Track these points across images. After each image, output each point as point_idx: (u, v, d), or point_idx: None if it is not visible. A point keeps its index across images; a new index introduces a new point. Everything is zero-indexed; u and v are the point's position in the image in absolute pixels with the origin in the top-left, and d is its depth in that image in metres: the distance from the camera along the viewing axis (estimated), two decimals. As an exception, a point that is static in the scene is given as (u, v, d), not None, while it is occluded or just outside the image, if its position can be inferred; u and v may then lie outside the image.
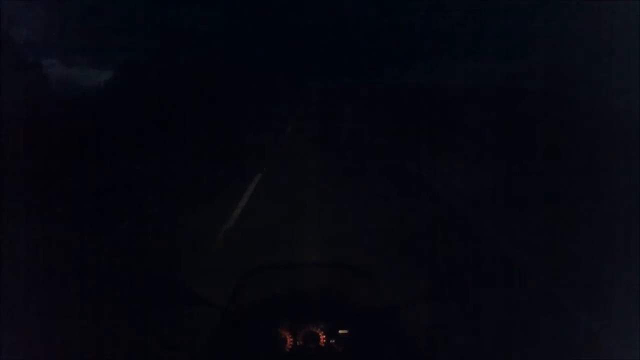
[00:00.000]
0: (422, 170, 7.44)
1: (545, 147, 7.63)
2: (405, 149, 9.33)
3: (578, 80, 9.75)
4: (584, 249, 3.65)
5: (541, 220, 4.71)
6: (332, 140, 11.06)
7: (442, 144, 8.96)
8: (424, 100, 15.43)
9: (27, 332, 2.52)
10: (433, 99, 15.15)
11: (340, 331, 1.22)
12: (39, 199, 5.30)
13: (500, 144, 8.53)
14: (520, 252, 3.91)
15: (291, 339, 1.20)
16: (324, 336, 1.21)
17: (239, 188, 5.94)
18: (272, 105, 20.82)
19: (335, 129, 12.84)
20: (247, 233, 4.33)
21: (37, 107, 6.91)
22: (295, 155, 8.88)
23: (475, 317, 2.54)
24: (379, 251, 3.58)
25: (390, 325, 1.28)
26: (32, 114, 6.64)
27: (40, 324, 2.65)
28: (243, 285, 1.48)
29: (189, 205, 5.18)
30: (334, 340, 1.21)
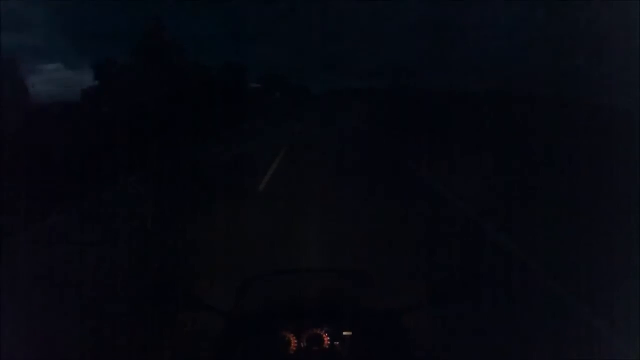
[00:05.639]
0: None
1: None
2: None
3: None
4: (586, 248, 3.65)
5: (550, 216, 4.72)
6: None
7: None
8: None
9: (27, 332, 2.51)
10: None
11: (344, 333, 1.21)
12: (36, 198, 5.28)
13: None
14: (522, 248, 3.93)
15: (295, 342, 1.19)
16: (328, 338, 1.20)
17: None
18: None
19: None
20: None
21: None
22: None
23: (475, 315, 2.52)
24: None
25: (393, 327, 1.27)
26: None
27: (41, 324, 2.64)
28: (246, 290, 1.47)
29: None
30: (337, 343, 1.20)
